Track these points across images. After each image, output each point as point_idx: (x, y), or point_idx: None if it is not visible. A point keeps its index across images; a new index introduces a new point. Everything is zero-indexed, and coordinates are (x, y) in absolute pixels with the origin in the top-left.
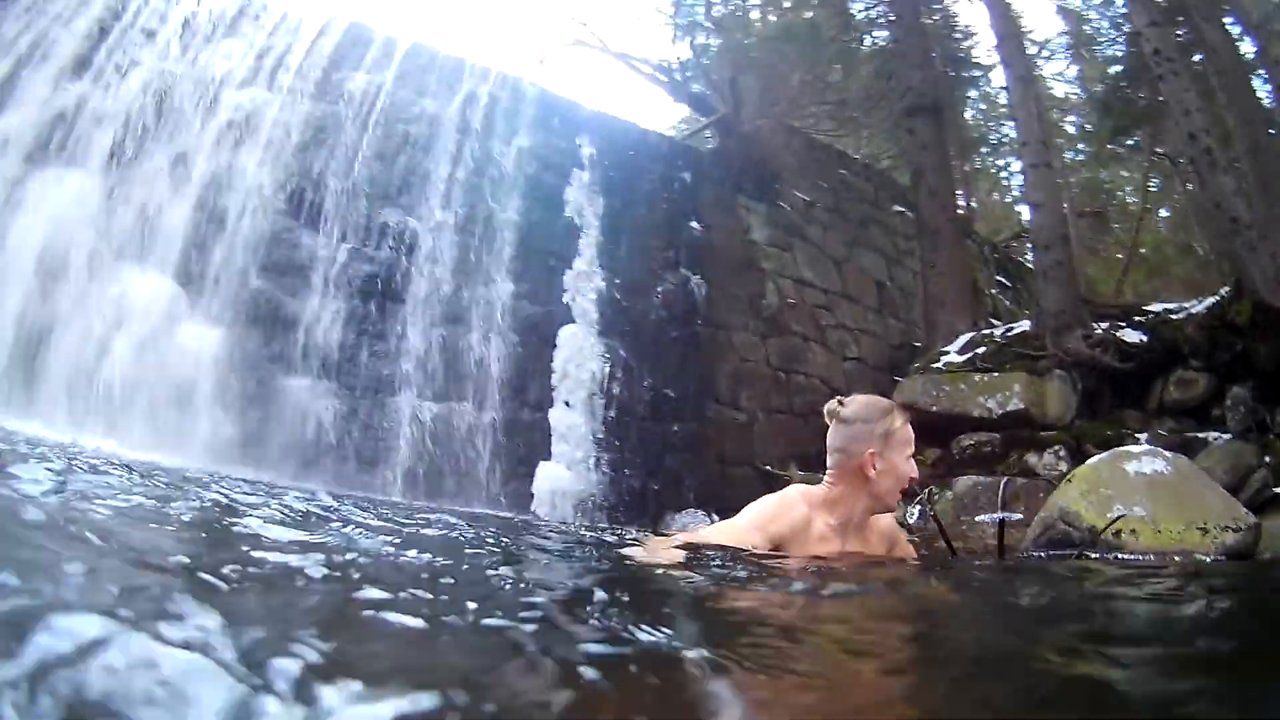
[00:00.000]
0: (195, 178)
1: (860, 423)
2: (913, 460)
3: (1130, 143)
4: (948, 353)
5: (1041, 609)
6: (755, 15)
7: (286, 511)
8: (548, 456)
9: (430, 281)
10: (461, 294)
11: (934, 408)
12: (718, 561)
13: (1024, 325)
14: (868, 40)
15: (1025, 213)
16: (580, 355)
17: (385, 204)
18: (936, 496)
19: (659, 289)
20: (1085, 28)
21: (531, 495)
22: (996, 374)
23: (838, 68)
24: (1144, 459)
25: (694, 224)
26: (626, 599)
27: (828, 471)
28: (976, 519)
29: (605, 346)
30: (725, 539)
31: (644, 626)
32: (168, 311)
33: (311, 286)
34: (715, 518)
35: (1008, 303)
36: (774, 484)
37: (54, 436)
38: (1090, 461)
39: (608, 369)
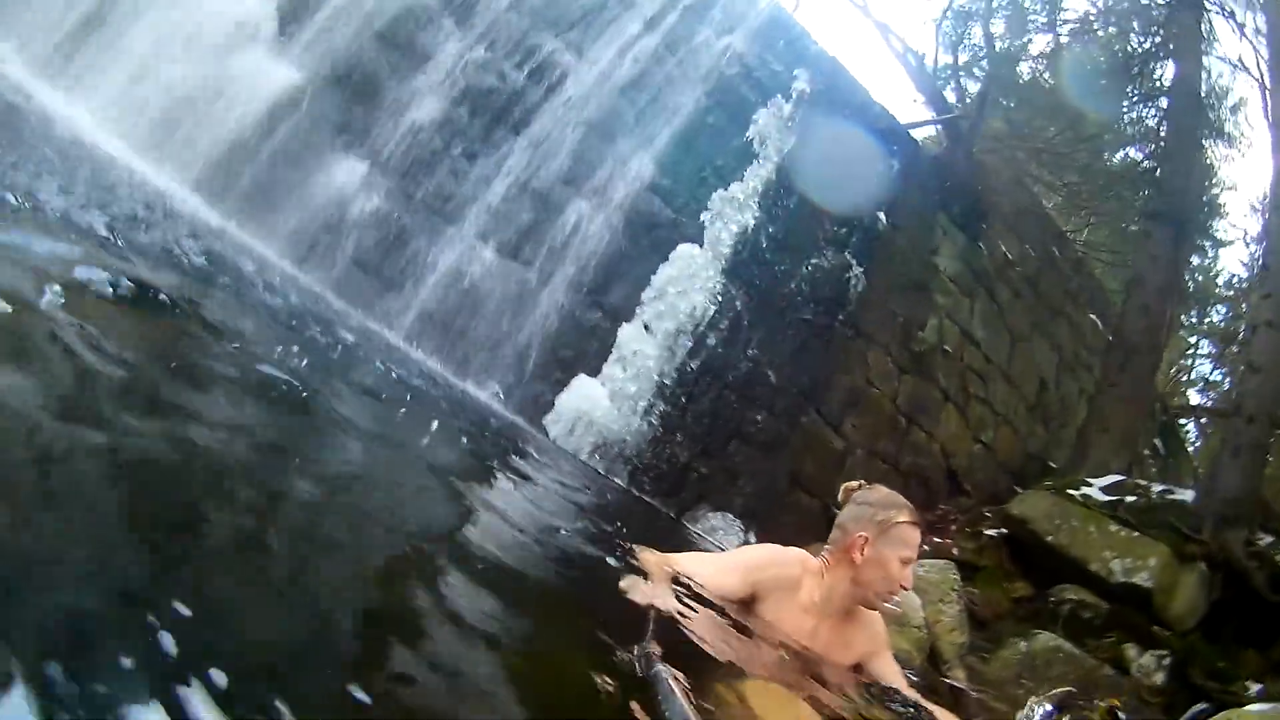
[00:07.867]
0: None
1: (864, 505)
2: (908, 569)
3: None
4: (1091, 485)
5: None
6: (1026, 66)
7: None
8: (594, 374)
9: (556, 125)
10: (587, 153)
11: (1049, 537)
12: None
13: (1186, 494)
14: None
15: (1193, 391)
16: (689, 281)
17: (548, 30)
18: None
19: (813, 260)
20: None
21: (551, 406)
22: (1138, 534)
23: (1088, 148)
24: None
25: (881, 215)
26: None
27: (825, 546)
28: (1033, 702)
29: (723, 287)
30: (706, 572)
31: None
32: (249, 34)
33: (421, 71)
34: (752, 538)
35: (1154, 469)
36: None
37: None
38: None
39: (712, 312)
